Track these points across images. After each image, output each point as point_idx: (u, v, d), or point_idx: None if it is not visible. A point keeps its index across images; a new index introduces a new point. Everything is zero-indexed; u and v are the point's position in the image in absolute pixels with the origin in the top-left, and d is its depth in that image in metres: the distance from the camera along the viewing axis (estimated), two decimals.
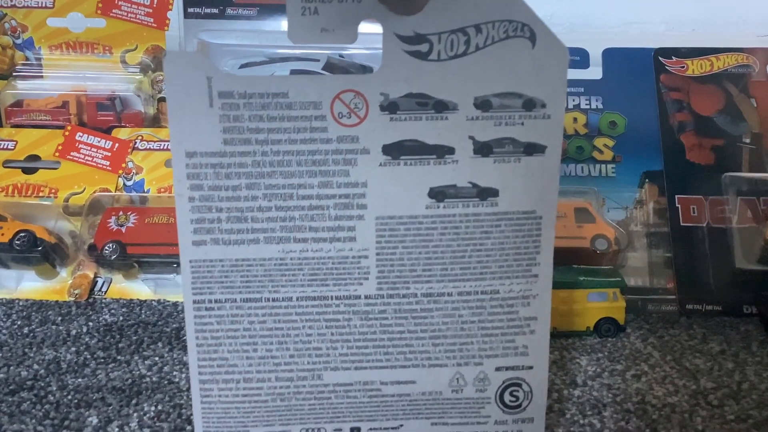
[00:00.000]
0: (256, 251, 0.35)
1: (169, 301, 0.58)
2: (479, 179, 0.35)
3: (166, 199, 0.62)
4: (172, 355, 0.50)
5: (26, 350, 0.51)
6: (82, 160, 0.64)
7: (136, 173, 0.64)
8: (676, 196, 0.60)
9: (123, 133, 0.66)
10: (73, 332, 0.53)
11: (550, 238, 0.36)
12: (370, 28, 0.33)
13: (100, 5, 0.69)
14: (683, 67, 0.65)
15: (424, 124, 0.34)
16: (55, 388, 0.47)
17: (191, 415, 0.42)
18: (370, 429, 0.38)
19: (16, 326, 0.54)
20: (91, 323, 0.55)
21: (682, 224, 0.59)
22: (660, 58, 0.65)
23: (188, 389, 0.46)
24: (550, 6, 0.72)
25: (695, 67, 0.65)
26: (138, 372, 0.48)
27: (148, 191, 0.63)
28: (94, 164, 0.64)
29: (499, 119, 0.34)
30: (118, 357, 0.50)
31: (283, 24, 0.68)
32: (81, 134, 0.65)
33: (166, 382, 0.47)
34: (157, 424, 0.43)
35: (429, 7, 0.32)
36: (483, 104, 0.34)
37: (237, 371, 0.36)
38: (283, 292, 0.36)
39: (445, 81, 0.34)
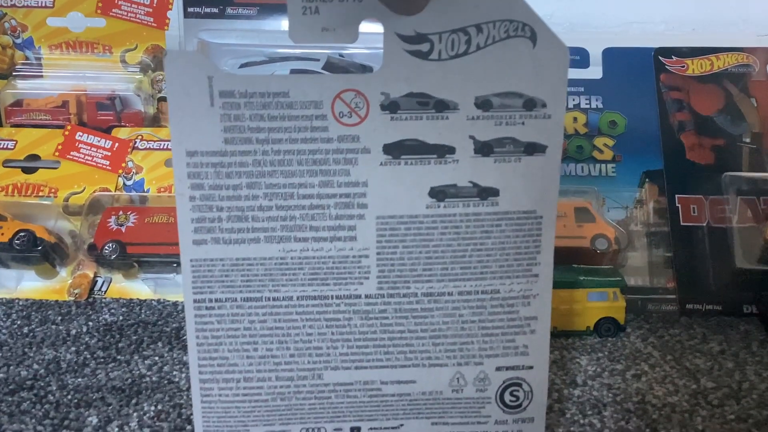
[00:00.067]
0: (257, 250, 0.35)
1: (169, 301, 0.58)
2: (480, 179, 0.35)
3: (166, 198, 0.62)
4: (172, 354, 0.50)
5: (26, 350, 0.51)
6: (82, 160, 0.64)
7: (136, 173, 0.64)
8: (676, 196, 0.60)
9: (123, 133, 0.66)
10: (73, 332, 0.53)
11: (551, 238, 0.36)
12: (370, 27, 0.33)
13: (99, 5, 0.69)
14: (683, 66, 0.65)
15: (424, 123, 0.34)
16: (54, 388, 0.47)
17: (191, 414, 0.42)
18: (371, 428, 0.38)
19: (15, 326, 0.54)
20: (90, 323, 0.55)
21: (682, 224, 0.59)
22: (660, 57, 0.65)
23: (188, 389, 0.46)
24: (550, 6, 0.72)
25: (695, 67, 0.65)
26: (138, 372, 0.48)
27: (148, 191, 0.63)
28: (94, 164, 0.64)
29: (500, 119, 0.34)
30: (118, 357, 0.50)
31: (283, 23, 0.68)
32: (81, 134, 0.65)
33: (166, 381, 0.47)
34: (157, 423, 0.43)
35: (430, 6, 0.32)
36: (484, 104, 0.34)
37: (237, 370, 0.36)
38: (284, 291, 0.36)
39: (446, 80, 0.34)
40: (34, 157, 0.65)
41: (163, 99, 0.69)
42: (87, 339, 0.52)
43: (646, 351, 0.52)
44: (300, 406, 0.37)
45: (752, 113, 0.63)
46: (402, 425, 0.38)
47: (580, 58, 0.66)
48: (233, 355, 0.36)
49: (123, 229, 0.59)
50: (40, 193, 0.63)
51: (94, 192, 0.62)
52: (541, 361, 0.38)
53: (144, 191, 0.63)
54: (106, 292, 0.59)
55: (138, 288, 0.59)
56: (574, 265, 0.56)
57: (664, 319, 0.56)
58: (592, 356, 0.51)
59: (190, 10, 0.67)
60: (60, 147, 0.65)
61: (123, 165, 0.64)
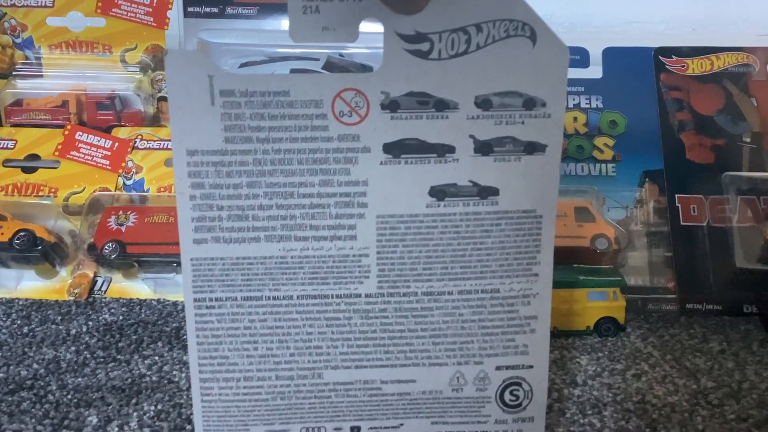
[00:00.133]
0: (257, 249, 0.35)
1: (168, 301, 0.58)
2: (480, 178, 0.35)
3: (166, 198, 0.62)
4: (172, 354, 0.50)
5: (26, 349, 0.51)
6: (82, 160, 0.64)
7: (136, 172, 0.64)
8: (677, 196, 0.60)
9: (123, 133, 0.66)
10: (73, 331, 0.53)
11: (551, 237, 0.36)
12: (370, 27, 0.33)
13: (99, 4, 0.69)
14: (683, 66, 0.65)
15: (424, 122, 0.34)
16: (54, 388, 0.47)
17: (191, 414, 0.42)
18: (371, 428, 0.38)
19: (15, 325, 0.54)
20: (90, 322, 0.55)
21: (682, 223, 0.59)
22: (660, 57, 0.65)
23: (188, 388, 0.46)
24: (550, 5, 0.72)
25: (695, 67, 0.65)
26: (138, 371, 0.48)
27: (147, 190, 0.63)
28: (94, 163, 0.64)
29: (500, 118, 0.34)
30: (118, 356, 0.50)
31: (283, 23, 0.68)
32: (81, 133, 0.65)
33: (165, 381, 0.47)
34: (157, 423, 0.43)
35: (430, 6, 0.32)
36: (483, 103, 0.34)
37: (237, 370, 0.36)
38: (284, 290, 0.36)
39: (446, 80, 0.34)
40: (34, 157, 0.65)
41: (163, 98, 0.69)
42: (87, 339, 0.52)
43: (646, 351, 0.52)
44: (300, 405, 0.37)
45: (752, 113, 0.63)
46: (402, 424, 0.38)
47: (580, 57, 0.66)
48: (233, 355, 0.36)
49: (123, 228, 0.59)
50: (40, 193, 0.63)
51: (94, 192, 0.62)
52: (541, 361, 0.38)
53: (144, 191, 0.63)
54: (106, 291, 0.59)
55: (138, 288, 0.59)
56: (574, 264, 0.56)
57: (664, 318, 0.56)
58: (592, 356, 0.51)
59: (190, 9, 0.67)
60: (60, 147, 0.65)
61: (123, 165, 0.64)
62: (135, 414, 0.44)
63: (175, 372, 0.48)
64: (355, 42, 0.33)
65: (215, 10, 0.67)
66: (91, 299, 0.58)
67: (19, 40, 0.69)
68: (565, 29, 0.72)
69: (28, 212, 0.61)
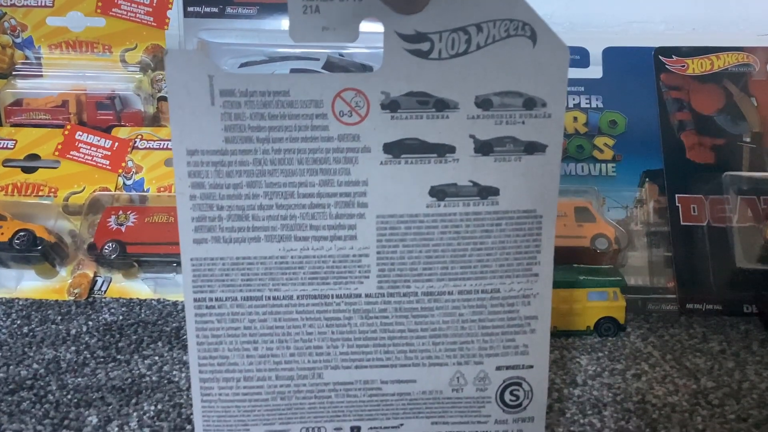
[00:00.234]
0: (257, 249, 0.35)
1: (168, 301, 0.58)
2: (480, 178, 0.35)
3: (166, 198, 0.62)
4: (172, 354, 0.50)
5: (26, 349, 0.51)
6: (82, 159, 0.64)
7: (136, 172, 0.64)
8: (677, 195, 0.60)
9: (123, 132, 0.66)
10: (73, 331, 0.53)
11: (551, 237, 0.36)
12: (371, 26, 0.33)
13: (99, 4, 0.69)
14: (683, 66, 0.65)
15: (425, 122, 0.34)
16: (54, 388, 0.47)
17: (191, 414, 0.42)
18: (371, 428, 0.38)
19: (15, 325, 0.54)
20: (90, 322, 0.55)
21: (682, 223, 0.59)
22: (660, 57, 0.65)
23: (188, 388, 0.46)
24: (550, 5, 0.71)
25: (695, 66, 0.65)
26: (138, 371, 0.48)
27: (147, 190, 0.63)
28: (94, 163, 0.64)
29: (500, 118, 0.34)
30: (118, 356, 0.50)
31: (283, 23, 0.68)
32: (81, 133, 0.65)
33: (165, 381, 0.47)
34: (157, 423, 0.43)
35: (430, 5, 0.32)
36: (484, 103, 0.34)
37: (237, 370, 0.36)
38: (284, 290, 0.36)
39: (446, 80, 0.33)
40: (34, 157, 0.65)
41: (162, 98, 0.69)
42: (87, 339, 0.52)
43: (646, 350, 0.52)
44: (300, 405, 0.37)
45: (752, 113, 0.63)
46: (402, 425, 0.38)
47: (580, 57, 0.66)
48: (233, 354, 0.36)
49: (123, 228, 0.59)
50: (40, 193, 0.63)
51: (94, 191, 0.62)
52: (541, 361, 0.38)
53: (144, 191, 0.63)
54: (106, 291, 0.59)
55: (138, 288, 0.59)
56: (574, 264, 0.56)
57: (664, 318, 0.56)
58: (592, 356, 0.51)
59: (190, 9, 0.67)
60: (60, 146, 0.65)
61: (123, 164, 0.64)
62: (135, 414, 0.44)
63: (175, 372, 0.48)
64: (355, 42, 0.33)
65: (215, 10, 0.67)
66: (91, 299, 0.58)
67: (19, 40, 0.69)
68: (565, 29, 0.72)
69: (28, 212, 0.61)
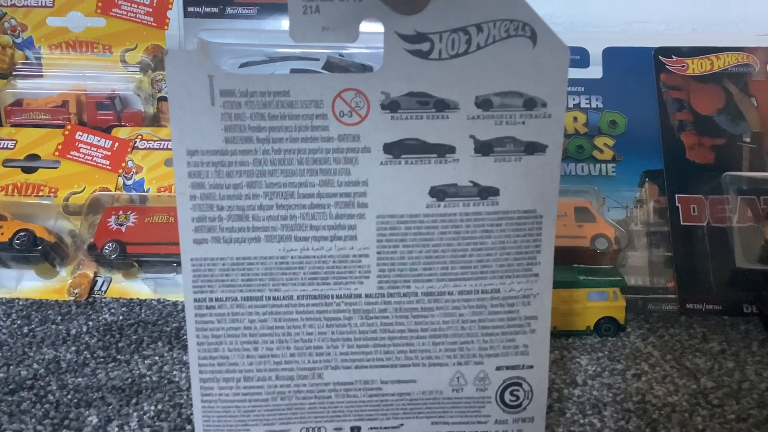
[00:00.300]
0: (257, 250, 0.35)
1: (169, 301, 0.58)
2: (480, 178, 0.35)
3: (166, 198, 0.62)
4: (172, 354, 0.50)
5: (26, 349, 0.51)
6: (82, 160, 0.64)
7: (136, 172, 0.64)
8: (677, 196, 0.60)
9: (123, 133, 0.66)
10: (73, 332, 0.53)
11: (551, 238, 0.36)
12: (371, 27, 0.33)
13: (99, 4, 0.69)
14: (683, 66, 0.65)
15: (425, 122, 0.34)
16: (54, 388, 0.47)
17: (191, 414, 0.42)
18: (371, 428, 0.38)
19: (15, 325, 0.54)
20: (90, 323, 0.55)
21: (682, 223, 0.59)
22: (660, 57, 0.65)
23: (188, 388, 0.46)
24: (550, 5, 0.71)
25: (695, 66, 0.65)
26: (138, 371, 0.48)
27: (147, 190, 0.63)
28: (94, 163, 0.64)
29: (500, 118, 0.34)
30: (118, 356, 0.50)
31: (283, 23, 0.68)
32: (81, 133, 0.65)
33: (166, 381, 0.47)
34: (157, 423, 0.43)
35: (430, 6, 0.32)
36: (484, 103, 0.34)
37: (237, 370, 0.36)
38: (284, 290, 0.36)
39: (446, 80, 0.33)
40: (34, 157, 0.65)
41: (163, 99, 0.69)
42: (87, 339, 0.52)
43: (646, 351, 0.52)
44: (300, 405, 0.37)
45: (752, 113, 0.63)
46: (402, 425, 0.38)
47: (580, 57, 0.66)
48: (233, 355, 0.36)
49: (123, 228, 0.59)
50: (40, 193, 0.63)
51: (94, 192, 0.62)
52: (541, 361, 0.38)
53: (144, 191, 0.63)
54: (106, 291, 0.59)
55: (138, 288, 0.59)
56: (574, 264, 0.56)
57: (664, 318, 0.56)
58: (592, 356, 0.51)
59: (190, 9, 0.67)
60: (60, 147, 0.65)
61: (123, 165, 0.64)
62: (135, 414, 0.44)
63: (175, 372, 0.48)
64: (355, 42, 0.33)
65: (215, 10, 0.67)
66: (91, 299, 0.58)
67: (19, 40, 0.69)
68: (565, 29, 0.72)
69: (28, 212, 0.61)
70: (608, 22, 0.74)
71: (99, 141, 0.65)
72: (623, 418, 0.44)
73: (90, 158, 0.64)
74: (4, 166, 0.64)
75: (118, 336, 0.53)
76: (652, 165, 0.62)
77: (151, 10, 0.69)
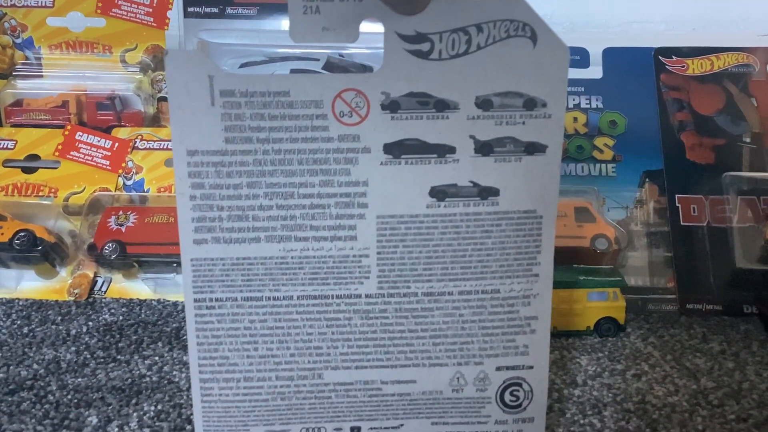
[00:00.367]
0: (257, 250, 0.35)
1: (169, 301, 0.58)
2: (480, 178, 0.35)
3: (166, 198, 0.62)
4: (172, 354, 0.50)
5: (26, 350, 0.51)
6: (82, 160, 0.64)
7: (136, 173, 0.64)
8: (677, 196, 0.60)
9: (123, 133, 0.66)
10: (73, 332, 0.53)
11: (551, 238, 0.36)
12: (371, 27, 0.33)
13: (99, 5, 0.69)
14: (683, 66, 0.65)
15: (425, 123, 0.34)
16: (54, 388, 0.47)
17: (191, 414, 0.42)
18: (371, 428, 0.38)
19: (15, 326, 0.54)
20: (90, 323, 0.55)
21: (682, 224, 0.59)
22: (660, 57, 0.65)
23: (188, 389, 0.46)
24: (550, 5, 0.71)
25: (695, 67, 0.65)
26: (138, 372, 0.48)
27: (147, 191, 0.63)
28: (94, 164, 0.64)
29: (500, 118, 0.34)
30: (118, 357, 0.50)
31: (283, 23, 0.68)
32: (81, 134, 0.65)
33: (165, 381, 0.47)
34: (157, 424, 0.43)
35: (430, 6, 0.32)
36: (484, 103, 0.34)
37: (237, 370, 0.36)
38: (284, 290, 0.36)
39: (446, 80, 0.33)
40: (34, 157, 0.65)
41: (163, 99, 0.69)
42: (87, 339, 0.52)
43: (646, 351, 0.52)
44: (300, 405, 0.37)
45: (752, 113, 0.63)
46: (402, 425, 0.38)
47: (580, 58, 0.66)
48: (233, 355, 0.36)
49: (123, 229, 0.59)
50: (40, 193, 0.63)
51: (94, 192, 0.62)
52: (542, 361, 0.38)
53: (144, 191, 0.63)
54: (106, 292, 0.59)
55: (138, 288, 0.59)
56: (574, 265, 0.56)
57: (664, 318, 0.56)
58: (592, 356, 0.51)
59: (190, 10, 0.67)
60: (60, 147, 0.65)
61: (123, 165, 0.64)
62: (135, 414, 0.44)
63: (175, 372, 0.48)
64: (355, 42, 0.33)
65: (215, 10, 0.67)
66: (91, 299, 0.58)
67: (19, 41, 0.69)
68: (565, 29, 0.72)
69: (28, 212, 0.61)
70: (608, 22, 0.74)
71: (99, 141, 0.65)
72: (623, 419, 0.44)
73: (90, 158, 0.64)
74: (4, 167, 0.64)
75: (118, 336, 0.53)
76: (652, 165, 0.62)
77: (151, 10, 0.69)
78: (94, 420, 0.44)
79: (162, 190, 0.63)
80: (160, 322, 0.55)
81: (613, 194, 0.62)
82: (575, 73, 0.65)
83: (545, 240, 0.36)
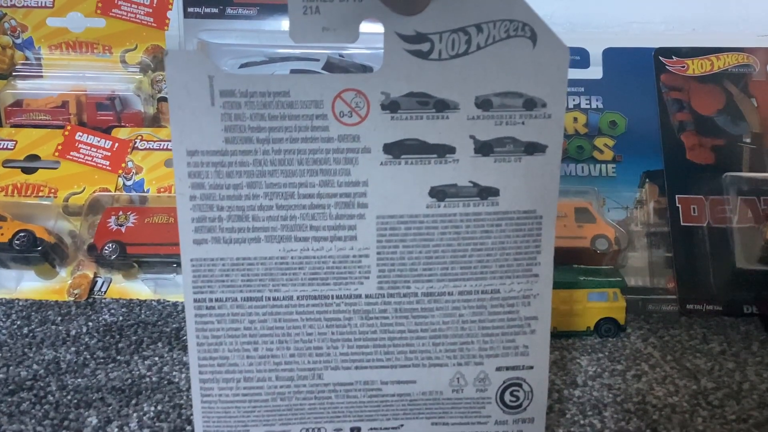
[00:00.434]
0: (257, 250, 0.35)
1: (168, 301, 0.58)
2: (480, 178, 0.35)
3: (166, 198, 0.62)
4: (172, 355, 0.50)
5: (26, 350, 0.51)
6: (82, 160, 0.64)
7: (136, 173, 0.64)
8: (677, 196, 0.60)
9: (123, 133, 0.66)
10: (73, 332, 0.53)
11: (551, 238, 0.36)
12: (371, 27, 0.33)
13: (99, 5, 0.69)
14: (683, 66, 0.65)
15: (425, 123, 0.34)
16: (54, 388, 0.47)
17: (191, 415, 0.42)
18: (371, 429, 0.38)
19: (15, 326, 0.54)
20: (90, 323, 0.55)
21: (682, 224, 0.59)
22: (660, 57, 0.65)
23: (188, 389, 0.46)
24: (550, 5, 0.72)
25: (695, 67, 0.65)
26: (138, 372, 0.48)
27: (147, 191, 0.63)
28: (94, 164, 0.64)
29: (500, 118, 0.34)
30: (118, 357, 0.50)
31: (283, 23, 0.68)
32: (81, 134, 0.65)
33: (165, 382, 0.47)
34: (157, 424, 0.43)
35: (430, 6, 0.32)
36: (484, 103, 0.34)
37: (237, 370, 0.36)
38: (284, 291, 0.36)
39: (446, 80, 0.33)
40: (34, 158, 0.65)
41: (163, 99, 0.69)
42: (87, 339, 0.52)
43: (647, 351, 0.52)
44: (300, 406, 0.37)
45: (752, 113, 0.63)
46: (402, 425, 0.38)
47: (580, 58, 0.66)
48: (233, 355, 0.36)
49: (123, 229, 0.59)
50: (40, 194, 0.63)
51: (93, 192, 0.62)
52: (542, 362, 0.38)
53: (144, 191, 0.63)
54: (106, 292, 0.59)
55: (138, 288, 0.59)
56: (574, 265, 0.56)
57: (664, 319, 0.56)
58: (593, 356, 0.51)
59: (190, 10, 0.67)
60: (60, 147, 0.65)
61: (123, 165, 0.64)
62: (135, 415, 0.44)
63: (175, 373, 0.48)
64: (355, 42, 0.33)
65: (215, 10, 0.67)
66: (91, 300, 0.58)
67: (19, 41, 0.69)
68: (565, 29, 0.72)
69: (28, 213, 0.61)
70: (608, 23, 0.74)
71: (99, 141, 0.65)
72: (623, 419, 0.44)
73: (90, 159, 0.64)
74: (4, 167, 0.64)
75: (117, 337, 0.53)
76: (652, 165, 0.62)
77: (151, 10, 0.69)
78: (94, 420, 0.43)
79: (162, 190, 0.63)
80: (160, 323, 0.55)
81: (613, 194, 0.62)
82: (575, 74, 0.65)
83: (545, 240, 0.36)
